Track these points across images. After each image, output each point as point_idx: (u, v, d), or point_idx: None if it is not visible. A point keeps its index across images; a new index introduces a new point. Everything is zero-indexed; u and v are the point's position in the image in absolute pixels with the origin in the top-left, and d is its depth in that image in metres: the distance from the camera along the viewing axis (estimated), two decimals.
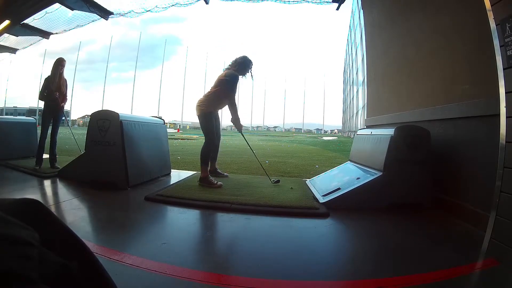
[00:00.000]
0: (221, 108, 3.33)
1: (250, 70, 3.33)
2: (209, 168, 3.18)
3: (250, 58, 3.32)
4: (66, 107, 3.88)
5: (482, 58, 1.99)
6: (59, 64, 3.73)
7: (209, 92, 3.21)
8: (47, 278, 0.25)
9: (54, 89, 3.64)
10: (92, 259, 0.33)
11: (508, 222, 1.41)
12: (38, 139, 3.78)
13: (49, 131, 3.74)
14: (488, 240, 1.51)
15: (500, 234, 1.46)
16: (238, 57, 3.31)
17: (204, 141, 3.16)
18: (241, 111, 3.59)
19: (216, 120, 3.30)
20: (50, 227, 0.31)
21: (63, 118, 3.88)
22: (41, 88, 3.69)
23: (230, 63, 3.34)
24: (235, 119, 3.25)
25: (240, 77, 3.30)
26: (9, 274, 0.22)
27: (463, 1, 2.27)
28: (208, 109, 3.14)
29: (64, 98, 3.80)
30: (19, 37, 7.26)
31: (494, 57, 1.54)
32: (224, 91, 3.13)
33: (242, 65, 3.28)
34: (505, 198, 1.45)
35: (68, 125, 4.51)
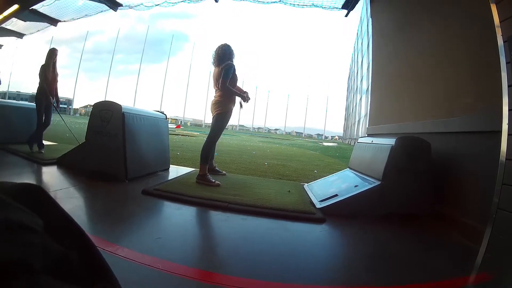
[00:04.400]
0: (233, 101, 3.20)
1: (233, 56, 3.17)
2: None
3: (229, 47, 3.15)
4: (69, 95, 3.93)
5: (486, 74, 1.99)
6: (53, 53, 3.82)
7: (219, 93, 3.10)
8: (48, 267, 0.24)
9: (49, 78, 3.74)
10: (92, 249, 0.33)
11: (503, 239, 1.41)
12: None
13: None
14: (483, 255, 1.51)
15: (494, 250, 1.46)
16: (221, 49, 3.12)
17: (206, 139, 3.10)
18: (242, 111, 3.50)
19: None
20: (52, 214, 0.31)
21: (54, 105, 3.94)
22: (39, 75, 3.74)
23: (216, 56, 3.13)
24: (233, 93, 3.11)
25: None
26: (12, 262, 0.21)
27: (470, 15, 2.28)
28: (229, 107, 3.09)
29: (56, 93, 3.92)
30: (27, 23, 7.27)
31: (499, 73, 1.54)
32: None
33: (228, 55, 3.12)
34: (501, 214, 1.45)
35: (58, 112, 4.46)
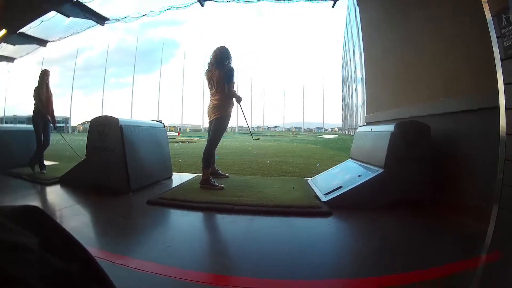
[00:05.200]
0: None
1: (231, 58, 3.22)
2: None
3: (227, 49, 3.18)
4: (66, 113, 3.96)
5: (481, 51, 1.98)
6: (45, 75, 3.85)
7: (218, 96, 3.12)
8: (48, 283, 0.26)
9: (43, 99, 3.76)
10: (93, 264, 0.33)
11: (511, 215, 1.41)
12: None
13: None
14: (492, 233, 1.51)
15: (503, 227, 1.45)
16: (220, 52, 3.14)
17: (206, 143, 3.13)
18: (241, 113, 3.52)
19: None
20: (51, 233, 0.32)
21: (51, 125, 3.99)
22: (34, 97, 3.77)
23: (215, 59, 3.15)
24: (235, 97, 3.18)
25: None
26: (9, 279, 0.23)
27: None
28: (228, 111, 3.14)
29: (53, 113, 3.95)
30: (16, 46, 7.27)
31: (491, 49, 1.54)
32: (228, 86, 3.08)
33: (227, 58, 3.16)
34: (507, 190, 1.45)
35: (57, 131, 4.52)
